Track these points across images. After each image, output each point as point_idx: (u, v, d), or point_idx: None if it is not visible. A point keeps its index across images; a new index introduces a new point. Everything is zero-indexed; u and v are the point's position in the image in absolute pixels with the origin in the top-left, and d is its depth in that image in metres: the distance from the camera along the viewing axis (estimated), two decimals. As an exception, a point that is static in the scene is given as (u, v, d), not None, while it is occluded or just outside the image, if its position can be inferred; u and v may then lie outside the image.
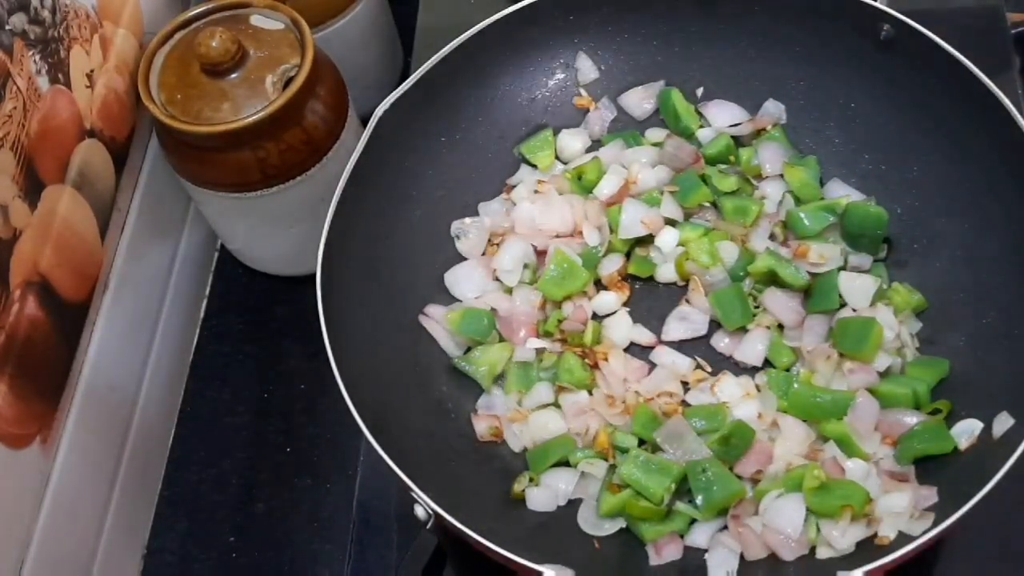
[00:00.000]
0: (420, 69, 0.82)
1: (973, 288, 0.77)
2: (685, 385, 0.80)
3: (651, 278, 0.85)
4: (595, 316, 0.83)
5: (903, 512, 0.69)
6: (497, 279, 0.85)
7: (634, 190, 0.86)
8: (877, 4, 0.80)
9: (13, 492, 0.73)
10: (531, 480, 0.77)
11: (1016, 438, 0.64)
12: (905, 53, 0.80)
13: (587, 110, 0.92)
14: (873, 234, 0.81)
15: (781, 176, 0.86)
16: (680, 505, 0.74)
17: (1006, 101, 0.73)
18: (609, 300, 0.83)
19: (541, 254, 0.86)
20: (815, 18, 0.84)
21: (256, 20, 0.88)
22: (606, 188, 0.87)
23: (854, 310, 0.79)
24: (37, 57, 0.79)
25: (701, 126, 0.90)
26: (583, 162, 0.89)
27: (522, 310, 0.83)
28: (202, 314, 1.03)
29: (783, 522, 0.71)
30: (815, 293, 0.80)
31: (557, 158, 0.91)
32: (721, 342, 0.81)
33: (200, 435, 0.95)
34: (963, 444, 0.71)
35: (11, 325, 0.74)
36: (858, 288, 0.79)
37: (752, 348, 0.80)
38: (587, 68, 0.92)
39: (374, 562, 0.81)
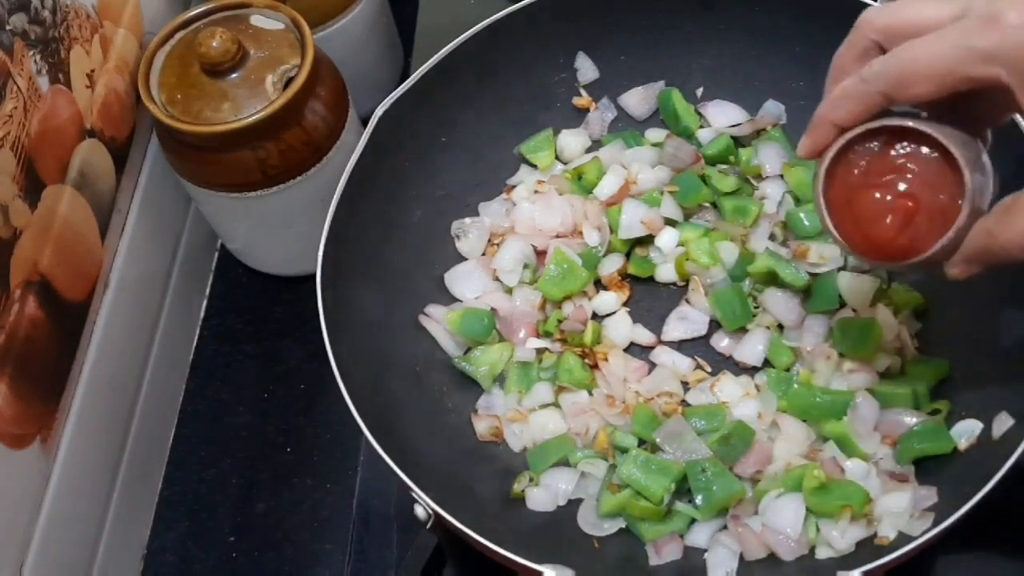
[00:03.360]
0: (420, 69, 0.82)
1: (973, 288, 0.77)
2: (685, 385, 0.80)
3: (651, 278, 0.85)
4: (595, 316, 0.83)
5: (903, 512, 0.69)
6: (497, 279, 0.85)
7: (634, 190, 0.86)
8: (877, 4, 0.80)
9: (13, 492, 0.73)
10: (531, 480, 0.77)
11: (1016, 438, 0.64)
12: (905, 53, 0.80)
13: (587, 110, 0.92)
14: (873, 234, 0.81)
15: (781, 176, 0.86)
16: (680, 505, 0.74)
17: (1006, 101, 0.73)
18: (609, 300, 0.83)
19: (541, 254, 0.86)
20: (815, 18, 0.84)
21: (256, 20, 0.88)
22: (606, 188, 0.87)
23: (854, 310, 0.79)
24: (37, 57, 0.79)
25: (701, 126, 0.90)
26: (583, 162, 0.89)
27: (522, 310, 0.83)
28: (202, 314, 1.02)
29: (783, 522, 0.71)
30: (815, 293, 0.80)
31: (557, 158, 0.91)
32: (721, 342, 0.82)
33: (200, 435, 0.95)
34: (963, 444, 0.71)
35: (11, 325, 0.74)
36: (858, 288, 0.79)
37: (752, 348, 0.80)
38: (587, 68, 0.92)
39: (374, 562, 0.81)
